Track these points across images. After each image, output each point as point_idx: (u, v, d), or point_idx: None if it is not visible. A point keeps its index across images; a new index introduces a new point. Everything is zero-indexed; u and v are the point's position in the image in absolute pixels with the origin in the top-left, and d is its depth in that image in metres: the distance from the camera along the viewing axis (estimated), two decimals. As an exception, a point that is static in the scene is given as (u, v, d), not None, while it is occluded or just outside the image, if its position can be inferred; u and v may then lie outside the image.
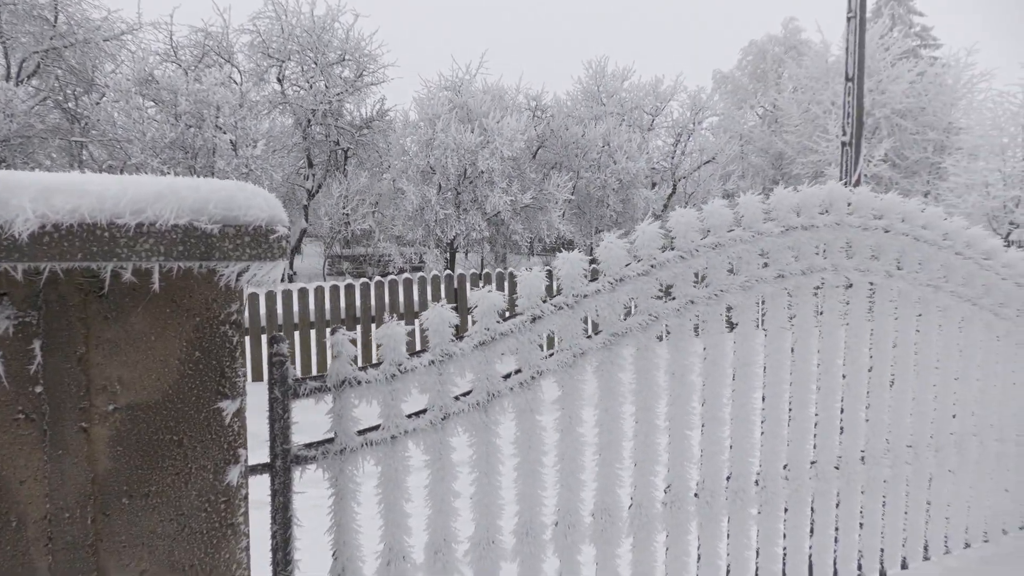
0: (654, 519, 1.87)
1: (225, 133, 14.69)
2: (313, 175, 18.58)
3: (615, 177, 17.89)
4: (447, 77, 18.23)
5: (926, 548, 2.41)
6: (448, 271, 7.84)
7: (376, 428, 1.56)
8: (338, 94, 17.77)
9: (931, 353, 2.28)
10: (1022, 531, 2.61)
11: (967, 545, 2.50)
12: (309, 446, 1.50)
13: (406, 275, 7.52)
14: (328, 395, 1.50)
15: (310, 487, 1.97)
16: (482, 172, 16.38)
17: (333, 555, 1.56)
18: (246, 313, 6.92)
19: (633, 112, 19.49)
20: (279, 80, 17.72)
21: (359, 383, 1.51)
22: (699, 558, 1.97)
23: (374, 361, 1.61)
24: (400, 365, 1.54)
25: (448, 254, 17.80)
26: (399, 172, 17.21)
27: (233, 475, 1.22)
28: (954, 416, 2.38)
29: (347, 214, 18.43)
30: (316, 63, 17.56)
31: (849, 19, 10.52)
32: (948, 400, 2.35)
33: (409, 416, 1.59)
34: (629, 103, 19.46)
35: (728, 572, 2.03)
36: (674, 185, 19.88)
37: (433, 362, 1.57)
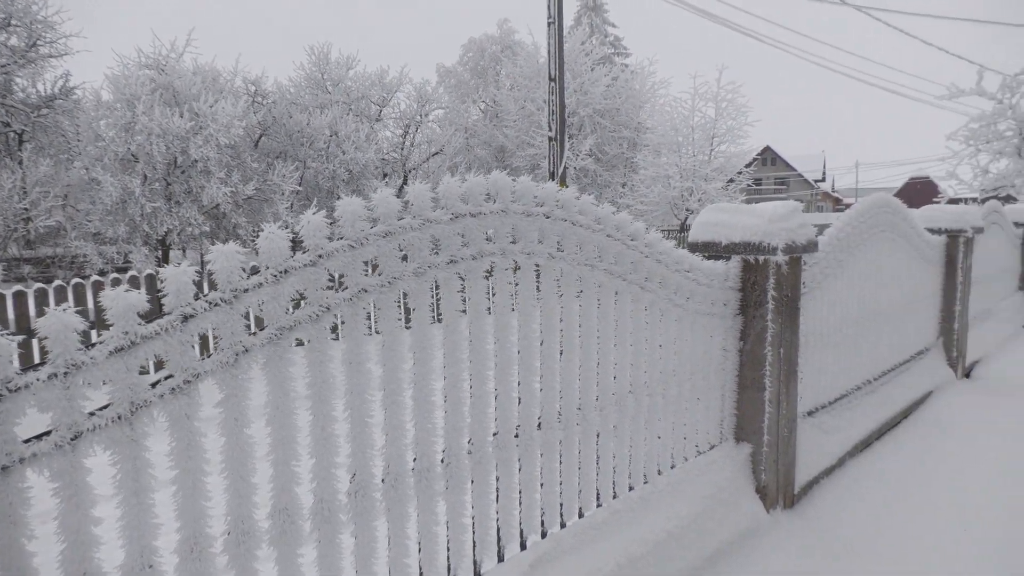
0: (338, 512, 1.86)
1: None
2: (-26, 162, 15.43)
3: (344, 167, 17.59)
4: (148, 54, 16.33)
5: (598, 496, 2.73)
6: (149, 271, 7.04)
7: (-21, 460, 1.32)
8: (4, 66, 14.94)
9: (592, 324, 2.57)
10: (673, 469, 3.08)
11: (631, 488, 2.88)
12: None
13: (95, 278, 6.61)
14: (-98, 428, 1.23)
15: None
16: (196, 161, 15.00)
17: (-72, 619, 1.29)
18: None
19: (360, 102, 19.29)
20: (-84, 44, 14.37)
21: (-52, 409, 1.26)
22: (389, 542, 2.01)
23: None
24: (8, 383, 1.32)
25: (160, 252, 16.03)
26: (93, 160, 15.04)
27: None
28: (615, 378, 2.72)
29: (26, 208, 15.65)
30: (-31, 27, 14.55)
31: (549, 24, 11.50)
32: (609, 364, 2.68)
33: (28, 440, 1.37)
34: (356, 92, 19.21)
35: (420, 550, 2.09)
36: (405, 176, 20.11)
37: (55, 375, 1.37)
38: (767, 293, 3.25)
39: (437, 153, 20.79)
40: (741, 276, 3.33)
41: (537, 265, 2.36)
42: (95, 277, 6.60)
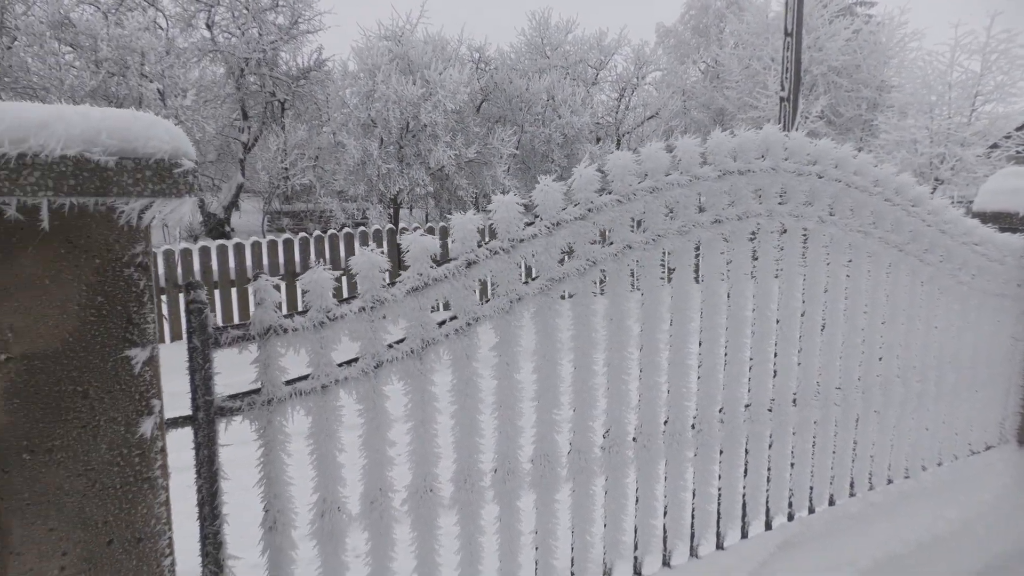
0: (592, 463, 1.88)
1: (152, 82, 13.91)
2: (248, 128, 17.85)
3: (560, 132, 17.75)
4: (386, 26, 17.53)
5: (852, 485, 2.51)
6: (390, 226, 7.71)
7: (305, 378, 1.50)
8: (272, 42, 17.01)
9: (860, 298, 2.33)
10: (940, 467, 2.75)
11: (890, 481, 2.62)
12: (233, 397, 1.43)
13: (347, 230, 7.36)
14: (252, 344, 1.43)
15: (236, 445, 1.90)
16: (425, 125, 16.00)
17: (264, 508, 1.51)
18: (178, 269, 6.66)
19: (577, 66, 19.27)
20: (208, 26, 16.81)
21: (285, 331, 1.44)
22: (637, 500, 2.00)
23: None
24: (329, 312, 1.48)
25: (392, 210, 17.47)
26: (339, 125, 16.64)
27: (147, 427, 1.15)
28: (880, 359, 2.46)
29: (286, 168, 17.84)
30: (248, 9, 16.70)
31: (790, -27, 10.55)
32: (875, 343, 2.42)
33: (340, 365, 1.53)
34: (573, 56, 19.22)
35: (665, 513, 2.07)
36: (618, 140, 19.87)
37: (364, 308, 1.51)
38: (1078, 274, 2.73)
39: (653, 116, 20.26)
40: (1043, 253, 2.83)
41: (805, 229, 2.18)
42: (347, 230, 7.36)
